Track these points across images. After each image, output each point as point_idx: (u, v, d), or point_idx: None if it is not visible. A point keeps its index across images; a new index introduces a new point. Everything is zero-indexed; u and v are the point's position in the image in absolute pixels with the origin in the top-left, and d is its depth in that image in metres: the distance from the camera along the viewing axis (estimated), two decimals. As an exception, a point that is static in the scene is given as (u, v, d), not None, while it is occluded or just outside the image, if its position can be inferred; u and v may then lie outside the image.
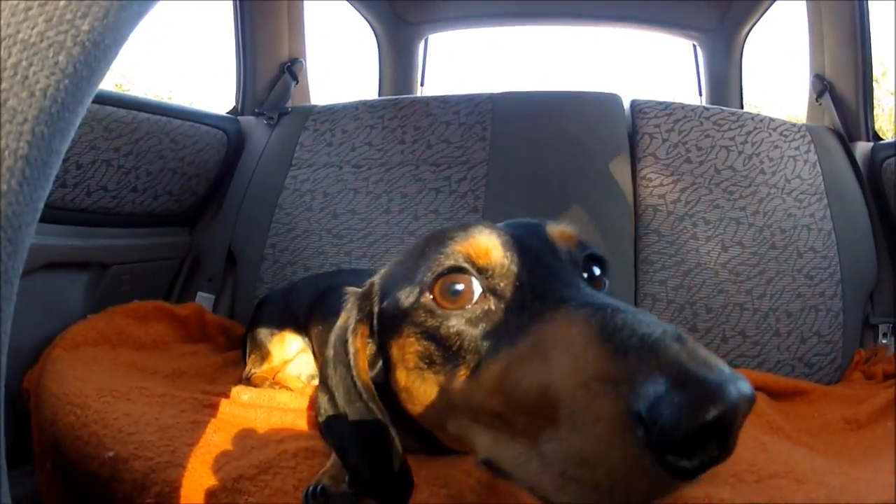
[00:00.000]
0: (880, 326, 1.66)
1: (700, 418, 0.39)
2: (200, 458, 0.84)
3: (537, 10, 2.57)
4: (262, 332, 1.44)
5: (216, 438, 0.91)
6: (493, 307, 0.59)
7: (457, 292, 0.61)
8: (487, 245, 0.63)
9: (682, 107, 1.86)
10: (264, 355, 1.41)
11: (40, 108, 0.31)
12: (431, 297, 0.62)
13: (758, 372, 1.55)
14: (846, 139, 1.86)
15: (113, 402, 0.99)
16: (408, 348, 0.66)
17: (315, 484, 0.72)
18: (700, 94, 2.60)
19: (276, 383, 1.36)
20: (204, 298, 1.81)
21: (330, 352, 0.74)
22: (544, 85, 2.02)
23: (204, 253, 1.90)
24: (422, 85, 2.85)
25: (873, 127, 1.90)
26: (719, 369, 0.42)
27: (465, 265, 0.61)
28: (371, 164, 1.90)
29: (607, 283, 0.72)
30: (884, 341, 1.65)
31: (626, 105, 1.90)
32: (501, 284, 0.60)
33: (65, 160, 1.42)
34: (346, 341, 0.71)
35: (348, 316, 0.74)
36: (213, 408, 1.06)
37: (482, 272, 0.61)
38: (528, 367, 0.51)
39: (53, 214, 1.48)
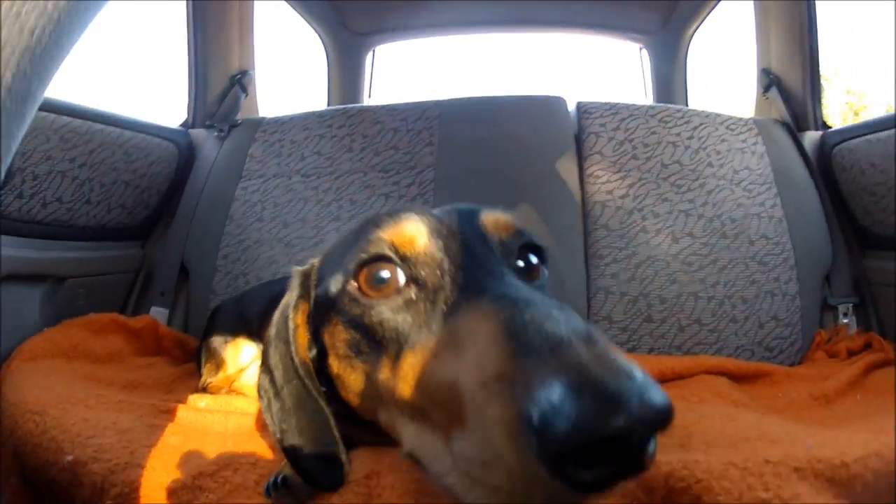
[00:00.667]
0: (840, 307, 1.67)
1: (594, 432, 0.37)
2: (159, 458, 0.83)
3: (482, 17, 2.62)
4: (217, 341, 1.43)
5: (174, 440, 0.91)
6: (415, 296, 0.59)
7: (382, 280, 0.61)
8: (413, 233, 0.62)
9: (628, 106, 1.89)
10: (219, 364, 1.40)
11: (26, 46, 0.33)
12: (356, 285, 0.62)
13: (717, 357, 1.55)
14: (794, 129, 1.89)
15: (71, 408, 0.99)
16: (337, 336, 0.66)
17: (276, 475, 0.70)
18: (646, 97, 2.65)
19: (232, 391, 1.36)
20: (158, 313, 1.81)
21: (272, 330, 0.75)
22: (491, 92, 2.05)
23: (157, 267, 1.90)
24: (369, 97, 2.90)
25: (822, 116, 1.93)
26: (627, 376, 0.39)
27: (389, 253, 0.61)
28: (320, 173, 1.91)
29: (545, 271, 0.71)
30: (845, 321, 1.66)
31: (573, 107, 1.94)
32: (424, 273, 0.60)
33: (21, 170, 1.46)
34: (287, 317, 0.72)
35: (291, 294, 0.74)
36: (171, 413, 1.05)
37: (405, 260, 0.61)
38: (441, 361, 0.51)
39: (11, 226, 1.48)
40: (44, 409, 0.97)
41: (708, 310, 1.63)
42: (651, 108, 1.91)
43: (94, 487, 0.79)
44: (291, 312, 0.72)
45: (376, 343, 0.60)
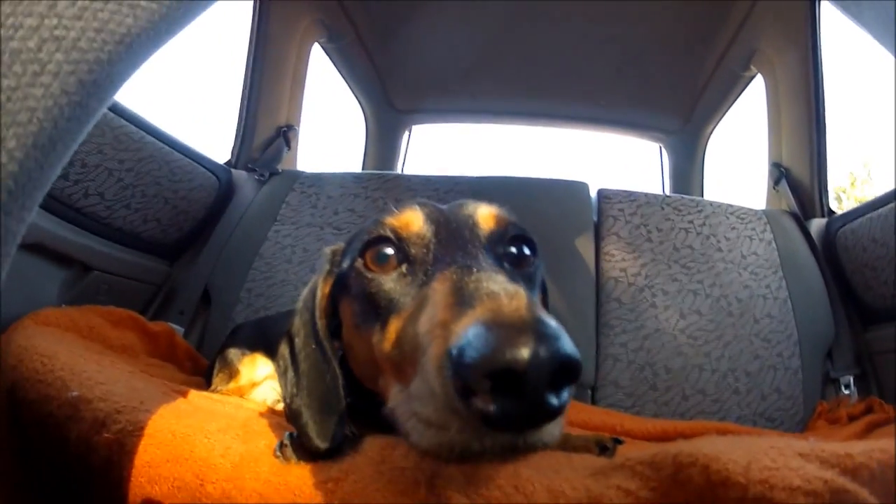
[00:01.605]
0: (842, 379, 1.74)
1: (495, 361, 0.41)
2: (170, 409, 0.81)
3: (515, 109, 2.83)
4: (233, 353, 1.42)
5: (185, 406, 0.89)
6: (406, 271, 0.68)
7: (384, 257, 0.70)
8: (410, 218, 0.72)
9: (645, 195, 2.07)
10: (233, 374, 1.39)
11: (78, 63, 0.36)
12: (363, 262, 0.71)
13: (720, 423, 1.62)
14: (801, 218, 2.04)
15: (83, 362, 0.96)
16: (348, 308, 0.76)
17: (289, 434, 0.71)
18: (663, 191, 2.80)
19: (242, 401, 1.32)
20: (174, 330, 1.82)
21: (299, 303, 0.83)
22: (520, 173, 2.26)
23: (179, 287, 1.99)
24: (402, 171, 3.05)
25: (828, 204, 2.07)
26: (541, 324, 0.44)
27: (390, 235, 0.71)
28: (351, 228, 1.97)
29: (536, 261, 0.75)
30: (846, 392, 1.71)
31: (594, 193, 2.13)
32: (414, 252, 0.69)
33: (73, 155, 1.56)
34: (316, 287, 0.81)
35: (321, 269, 0.84)
36: (183, 394, 1.03)
37: (402, 241, 0.70)
38: (410, 319, 0.59)
39: (50, 204, 1.48)
40: (54, 353, 0.94)
41: (712, 381, 1.75)
42: (666, 197, 2.09)
43: (94, 422, 0.76)
44: (320, 283, 0.81)
45: (376, 313, 0.67)
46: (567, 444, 0.95)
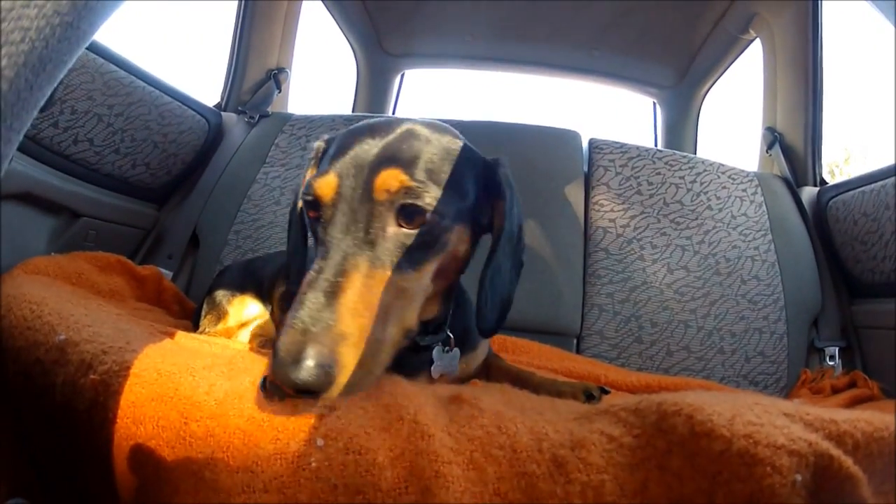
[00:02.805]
0: (826, 350, 1.72)
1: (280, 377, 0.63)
2: (156, 348, 0.81)
3: (508, 56, 2.77)
4: (221, 294, 1.42)
5: (171, 345, 0.89)
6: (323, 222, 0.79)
7: (316, 207, 0.79)
8: (327, 183, 0.78)
9: (637, 147, 2.01)
10: (221, 315, 1.38)
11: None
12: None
13: (704, 380, 1.59)
14: (793, 184, 2.00)
15: (71, 306, 0.96)
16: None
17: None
18: (655, 147, 2.75)
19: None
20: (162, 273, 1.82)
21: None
22: (512, 120, 2.18)
23: (167, 231, 1.96)
24: (393, 115, 2.98)
25: (820, 173, 2.04)
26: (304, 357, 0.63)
27: (312, 198, 0.79)
28: None
29: (433, 218, 0.78)
30: (831, 363, 1.70)
31: (585, 142, 2.07)
32: (325, 214, 0.78)
33: (62, 101, 1.47)
34: (305, 172, 0.93)
35: (309, 163, 0.96)
36: (170, 335, 1.03)
37: (320, 204, 0.79)
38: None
39: (40, 151, 1.50)
40: (43, 299, 0.94)
41: (697, 339, 1.71)
42: (658, 151, 2.03)
43: (81, 364, 0.76)
44: (307, 174, 0.88)
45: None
46: (553, 389, 0.95)
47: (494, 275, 0.89)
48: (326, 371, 0.62)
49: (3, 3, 0.34)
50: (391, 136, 0.81)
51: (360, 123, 0.87)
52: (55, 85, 0.40)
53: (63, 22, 0.37)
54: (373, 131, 0.82)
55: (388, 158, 0.78)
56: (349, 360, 0.65)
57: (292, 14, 2.39)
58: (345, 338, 0.66)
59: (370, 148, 0.79)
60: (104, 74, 1.60)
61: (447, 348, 0.97)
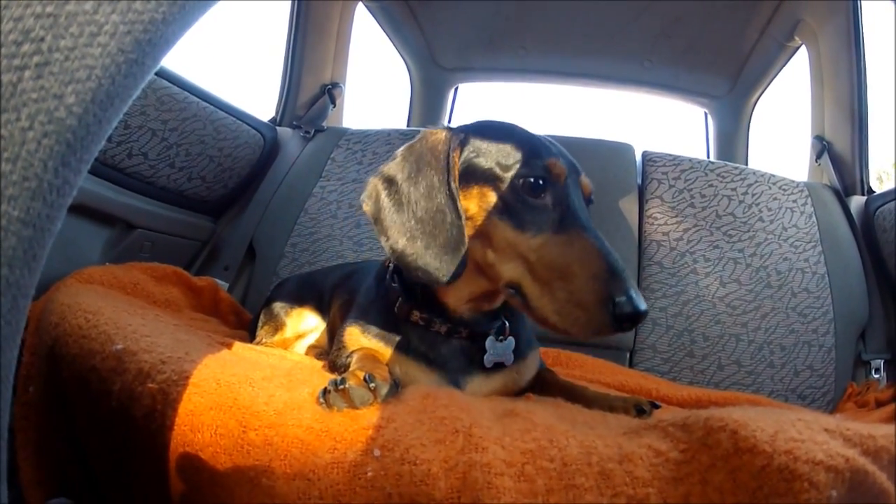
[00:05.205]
0: (872, 362, 1.74)
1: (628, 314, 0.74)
2: (215, 359, 0.83)
3: (560, 69, 2.78)
4: (279, 306, 1.45)
5: (230, 356, 0.92)
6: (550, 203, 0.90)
7: (538, 189, 0.89)
8: (560, 166, 0.91)
9: (690, 160, 2.04)
10: (278, 327, 1.41)
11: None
12: (519, 184, 0.90)
13: (753, 395, 1.62)
14: (842, 194, 2.01)
15: (127, 316, 0.98)
16: (491, 196, 0.91)
17: (333, 381, 0.72)
18: (707, 157, 2.75)
19: (286, 354, 1.34)
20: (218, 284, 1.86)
21: (411, 157, 0.95)
22: (566, 133, 2.21)
23: (224, 243, 2.03)
24: None
25: (868, 182, 2.04)
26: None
27: (543, 174, 0.90)
28: None
29: None
30: (876, 376, 1.72)
31: (639, 155, 2.10)
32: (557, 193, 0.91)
33: None
34: (446, 153, 0.92)
35: (438, 136, 0.95)
36: (228, 345, 1.07)
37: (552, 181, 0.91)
38: (555, 244, 0.85)
39: (93, 165, 1.35)
40: (98, 309, 0.95)
41: (748, 353, 1.74)
42: (711, 163, 2.06)
43: (139, 373, 0.77)
44: (452, 153, 0.92)
45: (522, 220, 0.87)
46: (605, 404, 0.97)
47: None
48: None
49: (63, 42, 0.35)
50: (557, 144, 0.97)
51: (504, 123, 0.99)
52: (121, 116, 0.43)
53: (128, 59, 0.39)
54: (538, 134, 0.96)
55: (574, 164, 0.96)
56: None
57: (345, 29, 2.42)
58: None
59: (556, 150, 0.94)
60: (157, 91, 1.64)
61: (501, 337, 1.02)
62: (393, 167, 0.95)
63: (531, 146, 0.91)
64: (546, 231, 0.85)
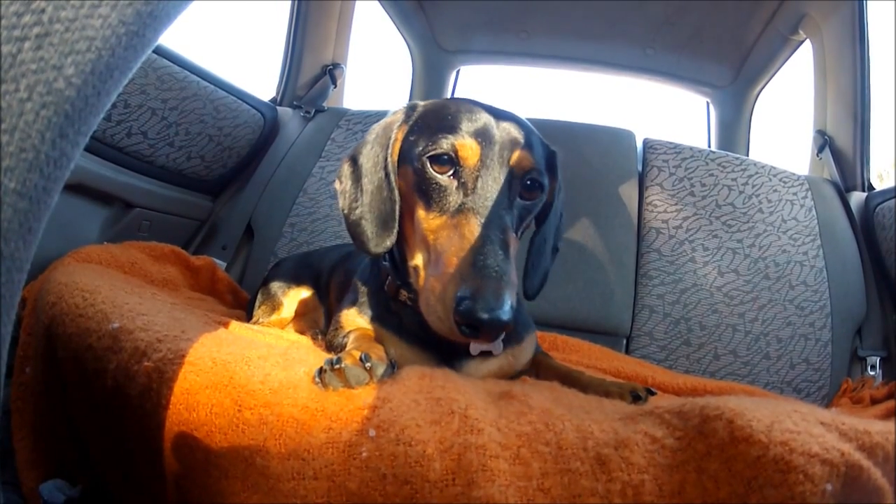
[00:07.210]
0: (868, 359, 1.74)
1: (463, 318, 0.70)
2: (211, 337, 0.82)
3: (563, 53, 2.76)
4: (276, 285, 1.45)
5: (226, 335, 0.90)
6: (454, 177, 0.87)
7: (444, 162, 0.87)
8: (468, 146, 0.87)
9: (691, 148, 2.02)
10: (275, 306, 1.41)
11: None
12: (428, 161, 0.87)
13: (749, 386, 1.61)
14: (842, 189, 2.00)
15: (124, 295, 0.97)
16: (410, 174, 0.90)
17: (329, 360, 0.72)
18: (708, 147, 2.73)
19: (283, 333, 1.30)
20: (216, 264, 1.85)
21: (371, 135, 0.98)
22: (567, 118, 2.19)
23: (222, 222, 2.02)
24: None
25: (869, 178, 2.04)
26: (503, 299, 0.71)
27: (449, 152, 0.87)
28: None
29: (542, 196, 0.94)
30: (871, 373, 1.72)
31: (640, 142, 2.08)
32: (464, 171, 0.87)
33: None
34: (392, 130, 0.94)
35: (396, 116, 0.96)
36: (224, 324, 1.06)
37: (457, 160, 0.87)
38: (451, 227, 0.83)
39: (92, 144, 1.49)
40: (95, 288, 0.95)
41: (744, 343, 1.74)
42: (712, 152, 2.04)
43: (135, 351, 0.77)
44: (396, 129, 0.93)
45: (428, 196, 0.86)
46: (601, 389, 0.96)
47: (541, 244, 1.02)
48: (513, 313, 0.72)
49: (66, 13, 0.35)
50: (504, 119, 0.91)
51: (455, 100, 0.96)
52: (121, 89, 0.42)
53: (129, 31, 0.39)
54: (483, 110, 0.91)
55: (513, 140, 0.89)
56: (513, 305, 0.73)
57: (347, 10, 2.41)
58: (514, 287, 0.76)
59: (492, 125, 0.89)
60: (157, 70, 1.63)
61: None
62: (359, 145, 0.99)
63: (453, 125, 0.88)
64: (445, 213, 0.84)
